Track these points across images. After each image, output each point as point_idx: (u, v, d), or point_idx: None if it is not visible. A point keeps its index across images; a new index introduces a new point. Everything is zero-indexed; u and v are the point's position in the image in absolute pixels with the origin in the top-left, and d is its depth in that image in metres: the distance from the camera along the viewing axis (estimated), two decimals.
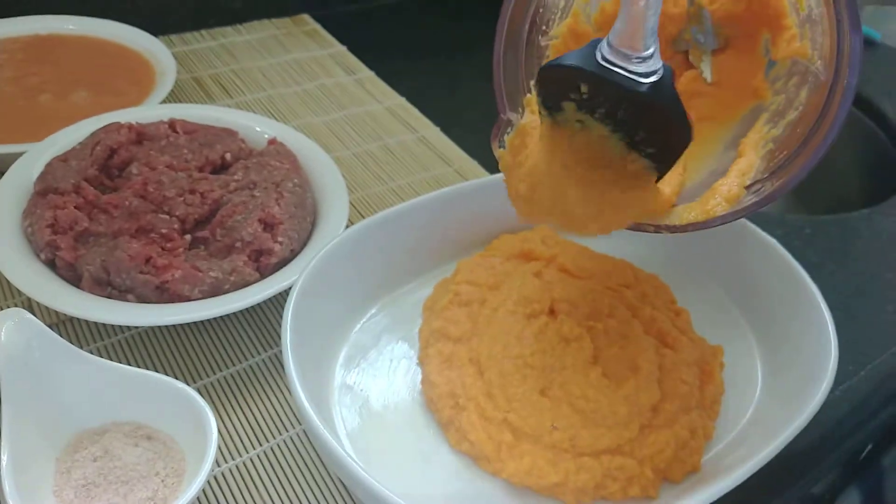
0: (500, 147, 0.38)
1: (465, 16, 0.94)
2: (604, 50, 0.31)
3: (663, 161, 0.34)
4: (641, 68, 0.31)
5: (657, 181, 0.35)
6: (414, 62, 0.84)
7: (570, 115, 0.34)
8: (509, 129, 0.38)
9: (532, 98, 0.37)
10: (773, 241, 0.49)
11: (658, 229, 0.36)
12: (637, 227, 0.37)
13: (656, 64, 0.31)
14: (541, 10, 0.39)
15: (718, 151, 0.38)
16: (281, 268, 0.47)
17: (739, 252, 0.50)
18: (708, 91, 0.39)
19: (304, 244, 0.50)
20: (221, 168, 0.54)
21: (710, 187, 0.36)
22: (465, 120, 0.73)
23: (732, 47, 0.38)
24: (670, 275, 0.50)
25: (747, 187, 0.35)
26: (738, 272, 0.50)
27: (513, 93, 0.39)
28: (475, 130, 0.71)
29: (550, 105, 0.34)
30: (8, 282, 0.48)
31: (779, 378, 0.45)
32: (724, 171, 0.36)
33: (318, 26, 0.83)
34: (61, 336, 0.39)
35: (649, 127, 0.33)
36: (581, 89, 0.32)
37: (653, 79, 0.31)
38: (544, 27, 0.39)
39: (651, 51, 0.31)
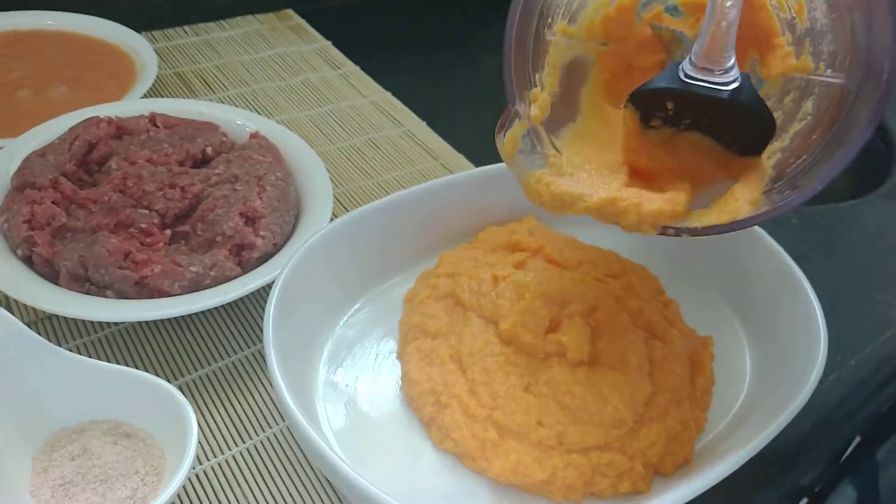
0: (503, 139, 0.38)
1: (450, 10, 0.94)
2: (686, 69, 0.35)
3: (750, 153, 0.36)
4: (724, 79, 0.34)
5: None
6: (399, 57, 0.84)
7: (662, 130, 0.37)
8: (516, 121, 0.38)
9: (537, 93, 0.38)
10: (761, 231, 0.48)
11: (678, 232, 0.36)
12: (661, 232, 0.37)
13: (736, 72, 0.35)
14: (548, 0, 0.38)
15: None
16: (263, 262, 0.47)
17: (727, 243, 0.50)
18: None
19: (287, 238, 0.49)
20: (202, 162, 0.53)
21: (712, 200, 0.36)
22: (451, 114, 0.73)
23: None
24: (657, 266, 0.50)
25: (765, 192, 0.35)
26: (726, 263, 0.50)
27: (520, 84, 0.38)
28: (461, 125, 0.71)
29: (645, 120, 0.37)
30: None
31: (768, 368, 0.44)
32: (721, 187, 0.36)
33: (302, 21, 0.82)
34: (40, 334, 0.39)
35: (735, 127, 0.36)
36: (668, 107, 0.36)
37: (733, 86, 0.35)
38: (550, 20, 0.39)
39: (731, 62, 0.34)
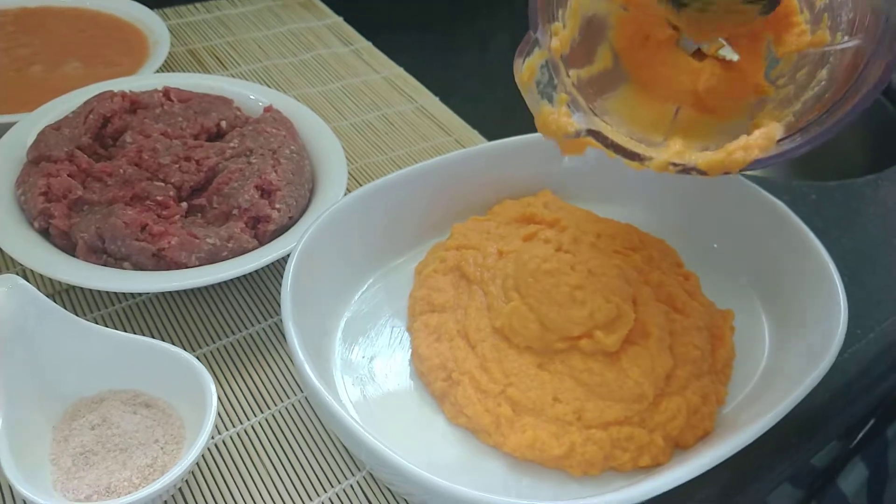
0: (521, 66, 0.37)
1: None
2: None
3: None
4: None
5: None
6: (410, 34, 0.83)
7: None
8: (535, 50, 0.37)
9: (559, 27, 0.37)
10: (780, 203, 0.48)
11: (687, 171, 0.35)
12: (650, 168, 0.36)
13: None
14: None
15: (713, 137, 0.38)
16: (279, 235, 0.47)
17: (746, 216, 0.49)
18: (715, 87, 0.38)
19: (302, 212, 0.49)
20: (217, 136, 0.52)
21: None
22: (464, 90, 0.72)
23: (735, 46, 0.38)
24: (675, 240, 0.49)
25: (778, 141, 0.34)
26: (745, 236, 0.50)
27: (544, 14, 0.37)
28: (474, 99, 0.70)
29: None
30: (2, 251, 0.47)
31: (787, 341, 0.44)
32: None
33: None
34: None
35: None
36: None
37: None
38: None
39: None
